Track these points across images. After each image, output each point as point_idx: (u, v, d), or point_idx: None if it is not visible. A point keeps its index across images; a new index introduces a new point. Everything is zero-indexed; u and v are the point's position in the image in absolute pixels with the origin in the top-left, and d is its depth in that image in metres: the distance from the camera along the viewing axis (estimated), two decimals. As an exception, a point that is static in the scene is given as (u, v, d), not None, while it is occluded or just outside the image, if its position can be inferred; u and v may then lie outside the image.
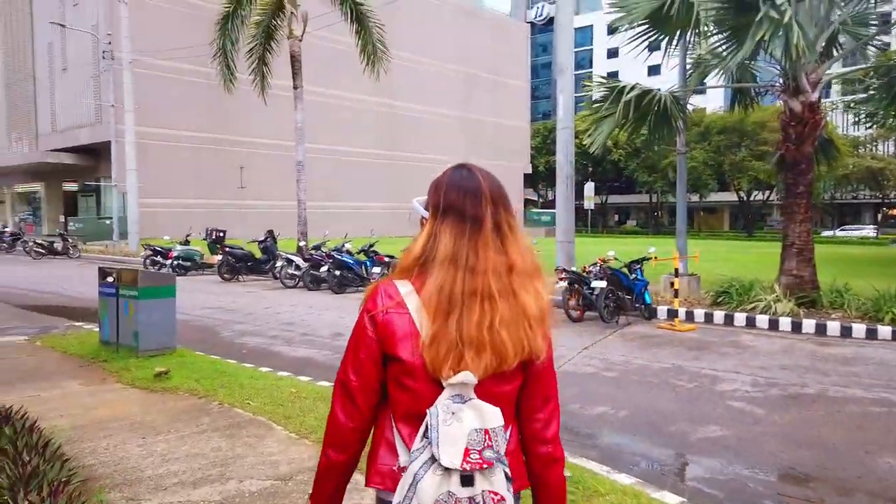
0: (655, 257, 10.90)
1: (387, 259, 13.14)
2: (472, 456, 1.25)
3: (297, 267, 15.09)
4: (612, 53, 77.44)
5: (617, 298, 10.20)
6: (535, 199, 63.99)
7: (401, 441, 1.37)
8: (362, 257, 14.86)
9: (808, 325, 9.59)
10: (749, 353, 8.20)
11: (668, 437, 5.10)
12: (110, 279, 7.21)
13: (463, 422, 1.27)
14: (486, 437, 1.27)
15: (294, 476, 3.82)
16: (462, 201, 1.40)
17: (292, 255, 15.53)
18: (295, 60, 17.45)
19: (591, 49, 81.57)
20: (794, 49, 8.54)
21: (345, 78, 38.10)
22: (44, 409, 5.03)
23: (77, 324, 9.29)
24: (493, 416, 1.29)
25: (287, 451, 4.22)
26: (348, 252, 14.81)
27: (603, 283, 10.02)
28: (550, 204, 63.76)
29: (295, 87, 17.57)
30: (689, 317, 10.59)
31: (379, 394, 1.42)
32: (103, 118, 30.52)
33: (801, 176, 10.55)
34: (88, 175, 35.23)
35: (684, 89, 12.32)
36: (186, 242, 18.63)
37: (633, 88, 10.87)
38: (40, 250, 23.13)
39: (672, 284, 10.81)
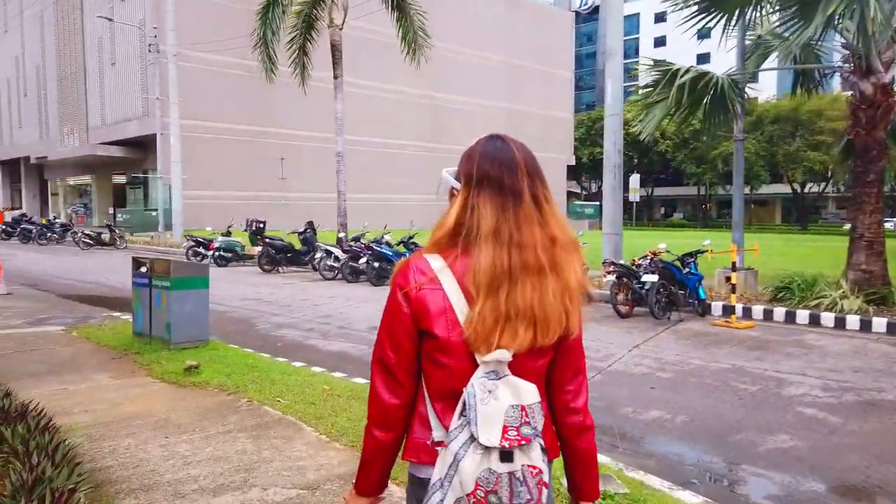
0: (711, 250, 10.27)
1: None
2: (510, 433, 1.24)
3: (337, 259, 14.89)
4: (660, 42, 75.60)
5: (669, 293, 9.63)
6: (578, 191, 62.92)
7: (434, 416, 1.37)
8: (402, 249, 14.57)
9: (879, 323, 8.87)
10: (816, 354, 7.59)
11: (733, 448, 4.62)
12: (143, 269, 7.04)
13: (499, 399, 1.26)
14: (523, 413, 1.26)
15: (322, 485, 3.50)
16: (499, 172, 1.38)
17: (332, 246, 15.34)
18: (335, 50, 17.22)
19: (638, 38, 79.63)
20: (870, 23, 7.83)
21: (385, 69, 37.99)
22: (69, 404, 4.85)
23: (115, 314, 9.22)
24: (529, 392, 1.29)
25: (316, 456, 3.91)
26: (387, 244, 14.54)
27: (654, 277, 9.47)
28: (593, 196, 62.68)
29: (335, 77, 17.36)
30: (747, 313, 9.95)
31: (417, 369, 1.41)
32: (150, 111, 31.00)
33: (872, 163, 9.78)
34: (136, 167, 35.93)
35: (743, 72, 11.59)
36: (228, 233, 18.69)
37: (687, 71, 10.25)
38: (88, 241, 23.58)
39: (728, 279, 10.18)
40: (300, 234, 16.90)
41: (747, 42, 12.17)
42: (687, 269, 9.99)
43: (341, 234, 16.83)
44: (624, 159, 56.01)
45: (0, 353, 6.54)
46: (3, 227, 29.61)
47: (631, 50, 77.49)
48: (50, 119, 42.98)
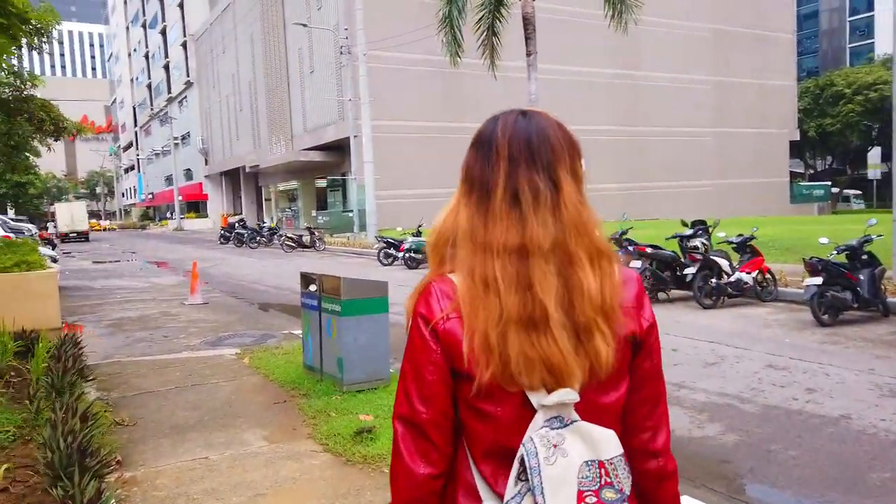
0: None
1: (649, 249, 10.45)
2: (587, 499, 0.98)
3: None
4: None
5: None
6: (802, 171, 54.94)
7: (483, 482, 1.07)
8: (612, 247, 12.27)
9: None
10: None
11: None
12: (313, 288, 5.68)
13: (569, 455, 0.99)
14: (602, 471, 1.01)
15: None
16: (475, 162, 1.11)
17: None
18: (528, 23, 15.32)
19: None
20: None
21: (574, 50, 35.47)
22: (198, 490, 3.46)
23: (296, 331, 8.18)
24: (607, 441, 1.02)
25: None
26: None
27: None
28: (819, 176, 54.41)
29: (528, 55, 15.46)
30: None
31: (455, 425, 1.10)
32: (344, 115, 31.66)
33: None
34: (335, 170, 37.20)
35: None
36: (419, 233, 17.75)
37: None
38: (291, 244, 24.24)
39: None
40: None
41: None
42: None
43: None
44: (863, 129, 47.67)
45: (159, 391, 5.55)
46: (222, 231, 32.11)
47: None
48: (261, 129, 46.41)
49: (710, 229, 10.45)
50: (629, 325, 1.08)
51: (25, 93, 10.15)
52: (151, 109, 74.76)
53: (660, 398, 1.17)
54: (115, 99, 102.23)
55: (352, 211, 30.46)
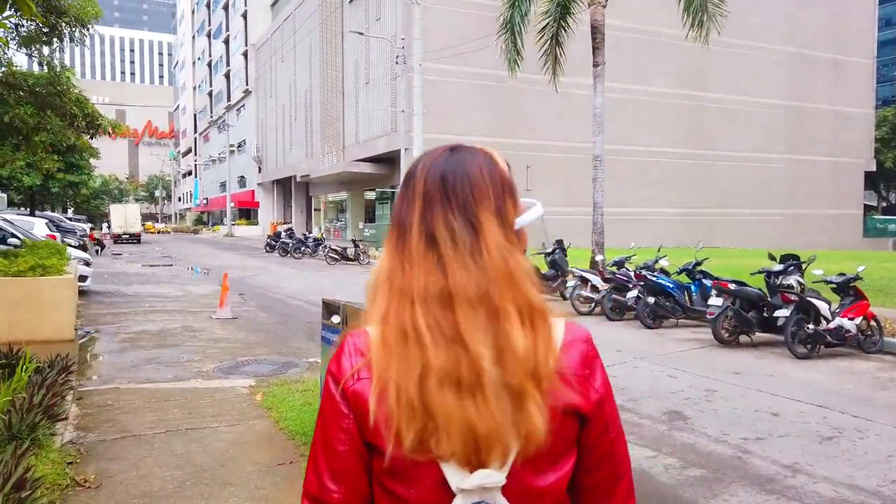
0: None
1: (732, 286, 9.06)
2: None
3: (595, 288, 11.78)
4: None
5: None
6: (874, 203, 51.79)
7: None
8: (684, 279, 10.95)
9: None
10: None
11: None
12: (336, 319, 4.66)
13: None
14: None
15: None
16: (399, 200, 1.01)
17: (587, 272, 12.27)
18: (596, 32, 14.17)
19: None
20: None
21: (639, 69, 34.05)
22: None
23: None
24: None
25: None
26: (663, 272, 11.05)
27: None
28: (893, 209, 51.20)
29: (595, 65, 14.28)
30: None
31: None
32: (397, 126, 31.02)
33: None
34: (385, 183, 36.59)
35: None
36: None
37: None
38: (335, 256, 23.53)
39: None
40: (547, 254, 14.11)
41: None
42: None
43: (598, 257, 13.66)
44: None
45: (146, 435, 4.60)
46: (268, 239, 31.80)
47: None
48: (314, 139, 46.31)
49: (804, 265, 9.05)
50: (569, 395, 0.92)
51: (59, 87, 9.58)
52: (211, 116, 76.28)
53: (623, 474, 1.03)
54: (178, 105, 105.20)
55: (399, 225, 29.65)
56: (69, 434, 4.47)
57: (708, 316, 8.89)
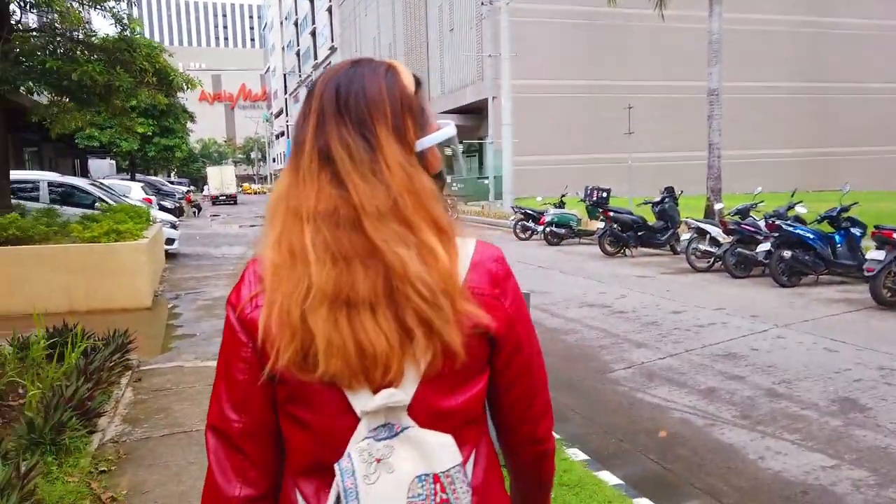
0: None
1: (897, 236, 7.48)
2: None
3: (714, 241, 10.33)
4: None
5: None
6: None
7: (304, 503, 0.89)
8: (826, 228, 9.30)
9: None
10: None
11: None
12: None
13: (396, 470, 0.81)
14: (437, 486, 0.81)
15: None
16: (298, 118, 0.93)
17: (706, 223, 10.80)
18: (710, -55, 12.26)
19: None
20: None
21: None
22: None
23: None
24: (442, 450, 0.83)
25: None
26: (799, 220, 9.45)
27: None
28: None
29: (709, -17, 12.43)
30: None
31: (277, 435, 0.92)
32: (483, 75, 29.61)
33: None
34: (472, 135, 35.41)
35: None
36: (561, 204, 15.45)
37: None
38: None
39: None
40: (655, 204, 12.66)
41: None
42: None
43: (717, 206, 12.07)
44: None
45: (197, 431, 3.90)
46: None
47: None
48: (400, 93, 45.57)
49: None
50: (478, 314, 0.87)
51: (127, 42, 9.06)
52: (299, 76, 77.00)
53: (539, 391, 1.01)
54: (269, 67, 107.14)
55: (487, 178, 28.55)
56: (113, 429, 3.84)
57: (866, 272, 7.36)
